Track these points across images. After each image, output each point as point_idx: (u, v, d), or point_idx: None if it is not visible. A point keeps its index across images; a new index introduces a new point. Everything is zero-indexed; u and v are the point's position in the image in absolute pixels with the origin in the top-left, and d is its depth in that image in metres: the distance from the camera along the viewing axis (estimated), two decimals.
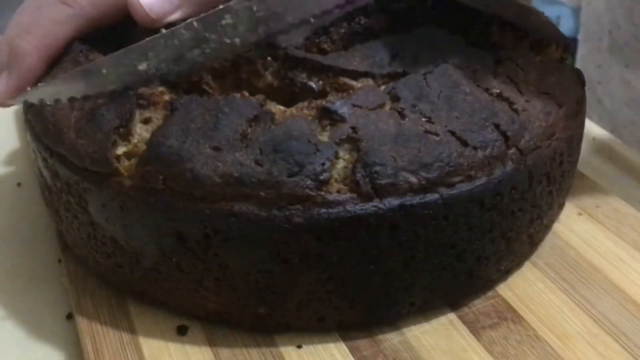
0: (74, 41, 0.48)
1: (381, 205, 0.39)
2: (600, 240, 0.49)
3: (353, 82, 0.43)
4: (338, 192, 0.39)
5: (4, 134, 0.68)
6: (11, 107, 0.51)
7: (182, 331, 0.44)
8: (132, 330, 0.44)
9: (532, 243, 0.47)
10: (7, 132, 0.68)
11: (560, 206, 0.49)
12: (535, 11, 0.52)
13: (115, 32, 0.48)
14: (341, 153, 0.40)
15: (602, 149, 0.57)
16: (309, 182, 0.39)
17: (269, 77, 0.44)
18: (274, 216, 0.39)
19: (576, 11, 1.94)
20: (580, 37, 0.82)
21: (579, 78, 0.48)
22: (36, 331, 0.47)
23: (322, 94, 0.43)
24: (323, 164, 0.39)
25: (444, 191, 0.40)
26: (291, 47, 0.45)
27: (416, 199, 0.40)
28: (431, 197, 0.40)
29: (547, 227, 0.48)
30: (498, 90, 0.44)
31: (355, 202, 0.39)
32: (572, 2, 1.88)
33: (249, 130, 0.40)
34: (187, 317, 0.45)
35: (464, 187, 0.40)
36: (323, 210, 0.39)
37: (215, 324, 0.44)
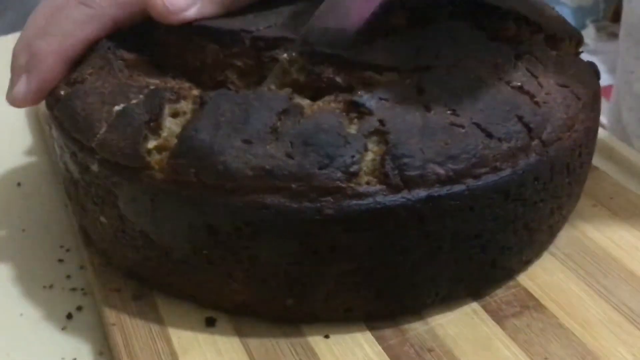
0: (101, 39, 0.48)
1: (410, 197, 0.40)
2: (616, 231, 0.50)
3: (378, 77, 0.44)
4: (367, 183, 0.40)
5: (4, 134, 0.68)
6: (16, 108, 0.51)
7: (210, 322, 0.45)
8: (160, 322, 0.45)
9: (552, 234, 0.48)
10: (8, 132, 0.68)
11: (578, 197, 0.49)
12: (547, 7, 0.53)
13: (138, 32, 0.48)
14: (370, 145, 0.41)
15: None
16: (339, 174, 0.40)
17: (294, 74, 0.45)
18: (305, 208, 0.40)
19: (576, 11, 1.97)
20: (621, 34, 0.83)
21: (594, 71, 0.49)
22: (36, 331, 0.48)
23: (348, 88, 0.44)
24: (353, 156, 0.40)
25: (471, 182, 0.41)
26: (317, 43, 0.45)
27: (444, 190, 0.40)
28: (458, 188, 0.41)
29: (565, 218, 0.49)
30: (519, 84, 0.44)
31: (384, 193, 0.40)
32: (572, 2, 1.89)
33: (279, 123, 0.41)
34: (215, 308, 0.45)
35: (490, 178, 0.41)
36: (353, 201, 0.40)
37: (242, 315, 0.45)
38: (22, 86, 0.48)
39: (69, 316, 0.48)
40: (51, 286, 0.51)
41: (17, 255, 0.54)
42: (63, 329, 0.47)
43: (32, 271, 0.52)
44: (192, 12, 0.46)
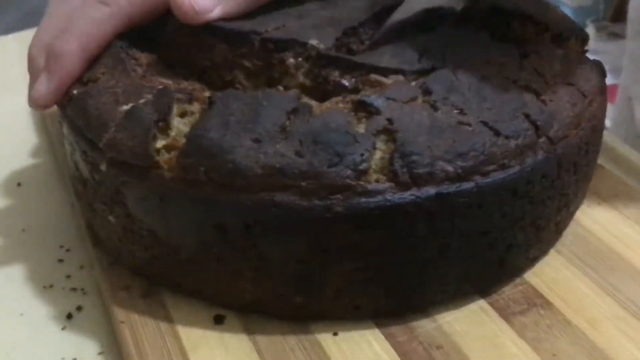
0: (114, 38, 0.48)
1: (419, 194, 0.40)
2: (621, 228, 0.50)
3: (384, 79, 0.44)
4: (377, 181, 0.40)
5: (4, 134, 0.68)
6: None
7: (219, 320, 0.45)
8: (169, 320, 0.45)
9: (558, 231, 0.48)
10: (8, 132, 0.68)
11: (584, 195, 0.50)
12: (552, 6, 0.53)
13: (149, 31, 0.48)
14: (378, 144, 0.41)
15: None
16: (349, 172, 0.40)
17: (300, 78, 0.45)
18: (314, 206, 0.40)
19: (576, 11, 1.97)
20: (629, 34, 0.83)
21: (599, 69, 0.49)
22: (36, 331, 0.48)
23: (355, 91, 0.44)
24: (362, 155, 0.40)
25: (479, 180, 0.41)
26: (323, 47, 0.45)
27: (452, 188, 0.41)
28: (467, 185, 0.41)
29: (572, 216, 0.49)
30: (525, 82, 0.45)
31: (393, 191, 0.40)
32: (572, 2, 1.90)
33: (288, 122, 0.41)
34: (224, 306, 0.45)
35: (498, 175, 0.42)
36: (363, 199, 0.40)
37: (251, 313, 0.45)
38: (42, 86, 0.48)
39: (69, 316, 0.48)
40: (51, 286, 0.51)
41: (17, 255, 0.54)
42: (63, 329, 0.48)
43: (32, 271, 0.52)
44: (215, 13, 0.46)
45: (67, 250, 0.54)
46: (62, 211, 0.57)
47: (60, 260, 0.53)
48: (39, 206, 0.58)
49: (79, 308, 0.49)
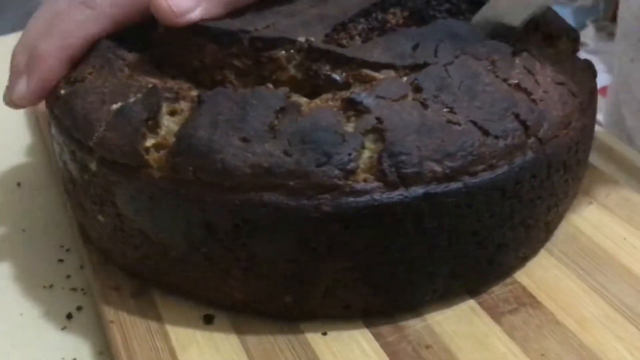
0: (101, 39, 0.48)
1: (407, 194, 0.40)
2: (612, 228, 0.50)
3: (375, 74, 0.44)
4: (365, 181, 0.40)
5: (3, 134, 0.68)
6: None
7: (208, 320, 0.45)
8: (159, 320, 0.45)
9: (548, 231, 0.48)
10: (7, 132, 0.68)
11: (574, 195, 0.50)
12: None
13: (138, 32, 0.48)
14: (367, 143, 0.41)
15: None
16: (337, 171, 0.40)
17: (292, 70, 0.45)
18: (302, 205, 0.40)
19: (576, 11, 1.97)
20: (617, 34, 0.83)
21: (590, 69, 0.49)
22: (36, 331, 0.48)
23: (345, 85, 0.44)
24: (350, 154, 0.40)
25: (468, 180, 0.41)
26: (314, 41, 0.45)
27: (440, 188, 0.41)
28: (455, 185, 0.41)
29: (562, 215, 0.49)
30: (516, 81, 0.44)
31: (381, 190, 0.40)
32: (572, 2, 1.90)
33: (277, 121, 0.41)
34: (213, 306, 0.45)
35: (487, 175, 0.41)
36: (351, 199, 0.40)
37: (240, 312, 0.45)
38: (22, 87, 0.48)
39: (69, 316, 0.48)
40: (51, 286, 0.51)
41: (17, 255, 0.54)
42: (63, 329, 0.48)
43: (32, 271, 0.52)
44: (196, 14, 0.46)
45: (67, 250, 0.54)
46: (62, 211, 0.57)
47: (60, 260, 0.53)
48: (39, 206, 0.58)
49: (79, 308, 0.49)
